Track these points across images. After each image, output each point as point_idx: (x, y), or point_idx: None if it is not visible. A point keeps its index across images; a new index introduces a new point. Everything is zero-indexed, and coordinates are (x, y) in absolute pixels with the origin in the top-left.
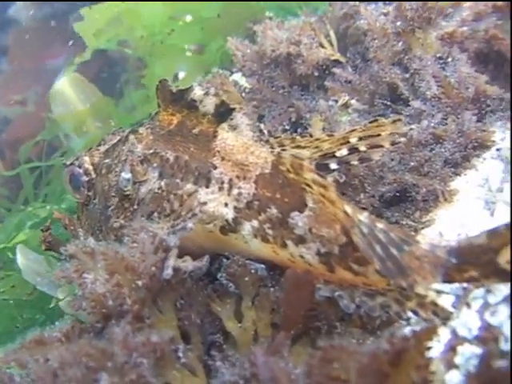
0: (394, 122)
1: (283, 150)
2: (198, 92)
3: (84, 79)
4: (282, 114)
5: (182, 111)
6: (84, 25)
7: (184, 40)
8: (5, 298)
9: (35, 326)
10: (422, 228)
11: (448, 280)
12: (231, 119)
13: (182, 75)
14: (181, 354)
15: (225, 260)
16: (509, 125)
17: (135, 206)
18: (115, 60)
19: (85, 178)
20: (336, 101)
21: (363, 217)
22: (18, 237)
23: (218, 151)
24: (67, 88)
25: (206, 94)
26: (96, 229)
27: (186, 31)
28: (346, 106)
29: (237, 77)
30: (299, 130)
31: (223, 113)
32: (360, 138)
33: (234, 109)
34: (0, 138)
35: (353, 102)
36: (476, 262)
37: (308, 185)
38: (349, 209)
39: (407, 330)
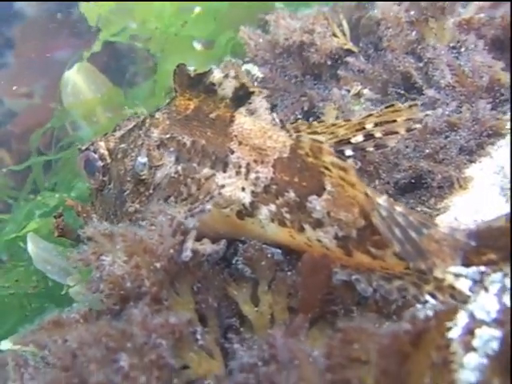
0: (410, 106)
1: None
2: (217, 75)
3: (94, 69)
4: (295, 103)
5: (199, 96)
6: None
7: (196, 32)
8: (11, 292)
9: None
10: (437, 215)
11: (467, 263)
12: (249, 103)
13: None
14: (199, 337)
15: (240, 245)
16: None
17: (151, 191)
18: (123, 52)
19: (100, 163)
20: (348, 90)
21: (382, 200)
22: (29, 226)
23: (236, 136)
24: (78, 77)
25: (226, 76)
26: (110, 214)
27: (198, 23)
28: (358, 95)
29: (249, 66)
30: (311, 119)
31: (242, 96)
32: (376, 124)
33: (253, 92)
34: (6, 130)
35: (365, 91)
36: (495, 245)
37: (327, 168)
38: (369, 191)
39: (424, 313)
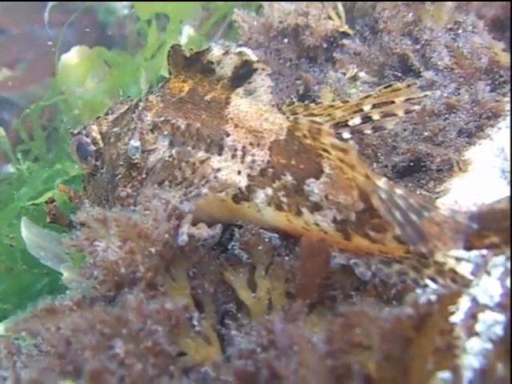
0: (409, 86)
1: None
2: (216, 52)
3: (91, 52)
4: (290, 87)
5: (194, 77)
6: None
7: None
8: (11, 244)
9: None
10: (437, 198)
11: (469, 246)
12: (249, 82)
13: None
14: (195, 323)
15: (237, 230)
16: None
17: (143, 175)
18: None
19: (92, 148)
20: (344, 73)
21: (382, 182)
22: (45, 195)
23: (231, 118)
24: (75, 61)
25: (226, 53)
26: (102, 199)
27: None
28: (354, 78)
29: (243, 49)
30: (307, 102)
31: (242, 75)
32: (373, 106)
33: (256, 69)
34: None
35: (361, 74)
36: (497, 228)
37: (325, 150)
38: (369, 173)
39: (426, 297)
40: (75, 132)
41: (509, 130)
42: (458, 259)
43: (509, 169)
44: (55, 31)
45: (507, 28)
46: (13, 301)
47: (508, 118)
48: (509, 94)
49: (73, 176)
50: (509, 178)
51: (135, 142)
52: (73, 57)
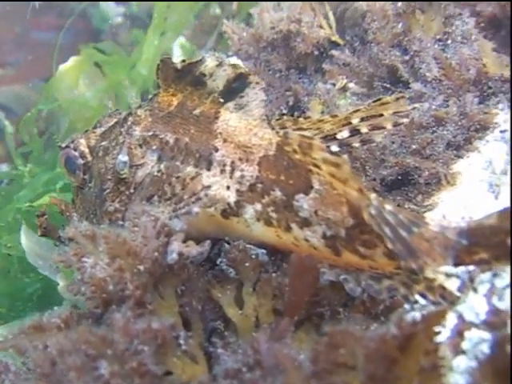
0: (397, 99)
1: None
2: (209, 64)
3: (90, 63)
4: (280, 98)
5: (184, 90)
6: None
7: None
8: (10, 253)
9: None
10: (425, 212)
11: (458, 262)
12: (241, 96)
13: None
14: (182, 341)
15: (226, 245)
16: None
17: (131, 190)
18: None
19: (80, 161)
20: (334, 84)
21: (371, 198)
22: (43, 198)
23: (220, 133)
24: (72, 71)
25: (220, 64)
26: (90, 213)
27: None
28: (344, 89)
29: (232, 60)
30: (297, 114)
31: (234, 88)
32: (362, 119)
33: (250, 83)
34: None
35: (351, 85)
36: (487, 244)
37: (315, 165)
38: (363, 187)
39: (411, 316)
40: (63, 145)
41: (497, 142)
42: (448, 275)
43: (497, 182)
44: (49, 35)
45: (504, 27)
46: (5, 303)
47: (496, 131)
48: (497, 106)
49: None
50: (496, 192)
51: (123, 157)
52: (71, 67)
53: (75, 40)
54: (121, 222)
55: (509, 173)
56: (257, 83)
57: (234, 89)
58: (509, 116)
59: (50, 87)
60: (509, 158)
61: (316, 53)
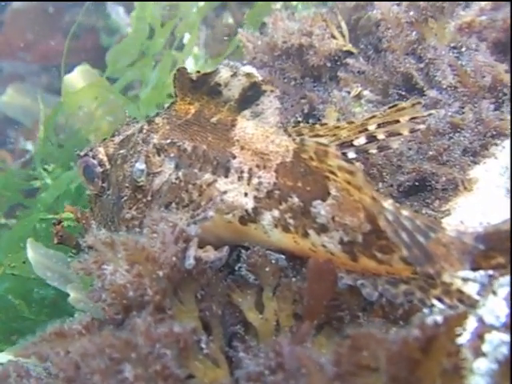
0: (413, 105)
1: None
2: (224, 74)
3: (94, 72)
4: (295, 106)
5: (201, 99)
6: None
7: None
8: (14, 273)
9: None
10: (442, 217)
11: (475, 267)
12: (257, 104)
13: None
14: (203, 345)
15: (243, 251)
16: None
17: (148, 198)
18: None
19: (99, 169)
20: (349, 92)
21: (388, 204)
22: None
23: (237, 140)
24: (78, 81)
25: (234, 75)
26: (108, 220)
27: None
28: (358, 96)
29: (247, 69)
30: (311, 122)
31: (250, 97)
32: (378, 125)
33: (264, 92)
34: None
35: (365, 92)
36: (503, 249)
37: (332, 172)
38: (376, 195)
39: (432, 319)
40: (82, 154)
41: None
42: (465, 280)
43: None
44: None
45: (509, 51)
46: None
47: None
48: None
49: None
50: None
51: (140, 165)
52: (76, 76)
53: (82, 58)
54: (138, 229)
55: (509, 173)
56: (271, 91)
57: (250, 97)
58: None
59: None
60: None
61: (328, 64)
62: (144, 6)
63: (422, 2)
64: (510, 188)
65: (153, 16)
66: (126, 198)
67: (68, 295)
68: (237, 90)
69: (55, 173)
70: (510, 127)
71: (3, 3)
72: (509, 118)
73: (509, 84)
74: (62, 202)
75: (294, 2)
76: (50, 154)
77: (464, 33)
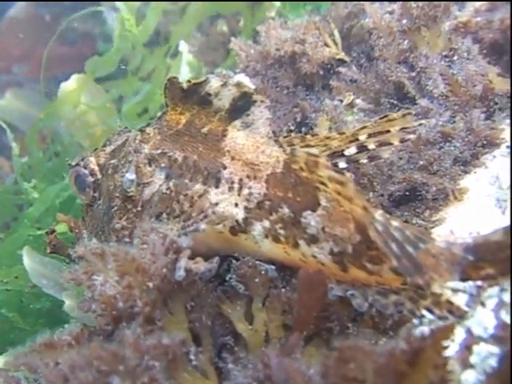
0: (404, 115)
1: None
2: (214, 84)
3: (91, 80)
4: (287, 115)
5: (191, 109)
6: None
7: None
8: (7, 288)
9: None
10: (433, 227)
11: (465, 278)
12: (247, 115)
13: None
14: (192, 357)
15: (234, 261)
16: None
17: (138, 208)
18: None
19: (90, 179)
20: (341, 100)
21: (378, 214)
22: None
23: (228, 151)
24: (77, 92)
25: (225, 84)
26: (99, 230)
27: None
28: (351, 105)
29: (240, 77)
30: (304, 130)
31: (240, 107)
32: (369, 135)
33: (254, 101)
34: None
35: (358, 101)
36: (493, 259)
37: (322, 183)
38: (367, 205)
39: (420, 330)
40: (73, 163)
41: (504, 158)
42: (455, 290)
43: (504, 197)
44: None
45: (506, 52)
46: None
47: (503, 146)
48: (505, 122)
49: None
50: (504, 207)
51: (131, 175)
52: (72, 85)
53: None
54: (127, 240)
55: (509, 173)
56: (261, 101)
57: (240, 107)
58: None
59: (53, 106)
60: None
61: (321, 72)
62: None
63: (414, 11)
64: (510, 197)
65: (134, 34)
66: (116, 207)
67: (63, 304)
68: (227, 99)
69: (39, 187)
70: (510, 129)
71: None
72: (500, 127)
73: (500, 92)
74: (50, 216)
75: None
76: (34, 167)
77: (460, 33)
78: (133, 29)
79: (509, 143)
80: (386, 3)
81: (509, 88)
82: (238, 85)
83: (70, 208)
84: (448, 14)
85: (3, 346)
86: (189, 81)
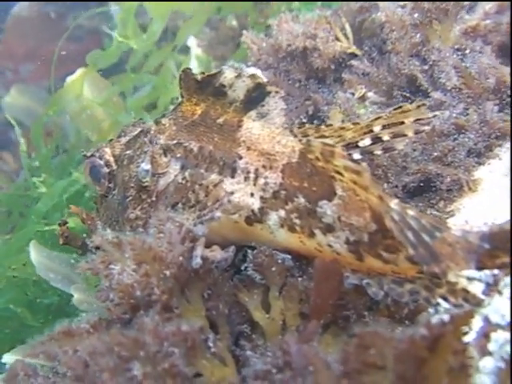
0: (419, 107)
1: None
2: (228, 75)
3: (97, 74)
4: (299, 107)
5: (206, 100)
6: None
7: None
8: (14, 275)
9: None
10: (447, 218)
11: (480, 266)
12: (262, 105)
13: None
14: (211, 344)
15: (249, 251)
16: None
17: (153, 198)
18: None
19: (105, 170)
20: (353, 93)
21: (394, 204)
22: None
23: (244, 141)
24: (80, 82)
25: (239, 76)
26: (113, 220)
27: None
28: (363, 98)
29: (252, 70)
30: (316, 123)
31: (255, 98)
32: (383, 127)
33: (269, 92)
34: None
35: (370, 94)
36: (508, 248)
37: (338, 172)
38: (383, 194)
39: (438, 318)
40: (88, 154)
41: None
42: (470, 279)
43: None
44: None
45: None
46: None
47: None
48: None
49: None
50: None
51: (146, 166)
52: (78, 79)
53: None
54: (141, 230)
55: (509, 174)
56: (276, 92)
57: (255, 98)
58: None
59: (57, 98)
60: None
61: (333, 67)
62: (125, 23)
63: (426, 4)
64: (510, 197)
65: (133, 35)
66: (130, 198)
67: (71, 299)
68: (241, 91)
69: (48, 182)
70: (510, 129)
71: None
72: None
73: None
74: (57, 212)
75: (297, 3)
76: (41, 162)
77: (469, 37)
78: (130, 33)
79: None
80: None
81: None
82: (252, 76)
83: (77, 203)
84: (459, 9)
85: (12, 342)
86: (203, 72)
